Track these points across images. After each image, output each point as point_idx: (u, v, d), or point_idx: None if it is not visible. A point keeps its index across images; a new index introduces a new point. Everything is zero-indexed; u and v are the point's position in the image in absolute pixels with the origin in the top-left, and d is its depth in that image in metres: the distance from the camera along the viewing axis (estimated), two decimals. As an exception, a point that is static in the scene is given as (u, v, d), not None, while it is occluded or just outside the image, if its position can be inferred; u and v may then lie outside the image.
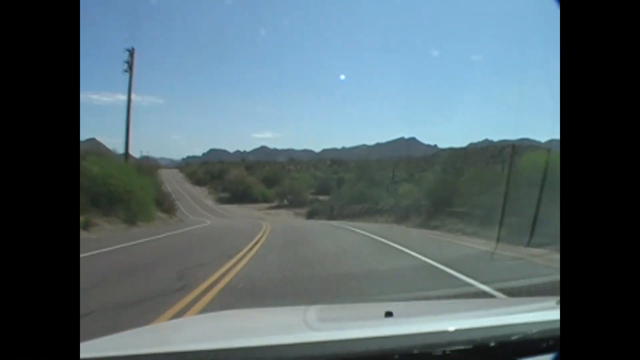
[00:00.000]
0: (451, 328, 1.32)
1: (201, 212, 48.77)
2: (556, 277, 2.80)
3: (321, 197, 56.70)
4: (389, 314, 1.61)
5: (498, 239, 11.07)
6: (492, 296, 5.02)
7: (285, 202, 59.09)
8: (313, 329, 1.60)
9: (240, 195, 62.42)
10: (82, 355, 1.07)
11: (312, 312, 1.88)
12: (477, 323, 1.45)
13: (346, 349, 1.19)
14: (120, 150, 26.72)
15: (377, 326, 1.50)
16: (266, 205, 59.26)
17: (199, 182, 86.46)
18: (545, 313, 1.44)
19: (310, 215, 38.25)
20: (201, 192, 76.79)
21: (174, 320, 2.98)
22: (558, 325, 1.13)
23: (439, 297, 4.13)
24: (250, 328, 1.88)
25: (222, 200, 64.49)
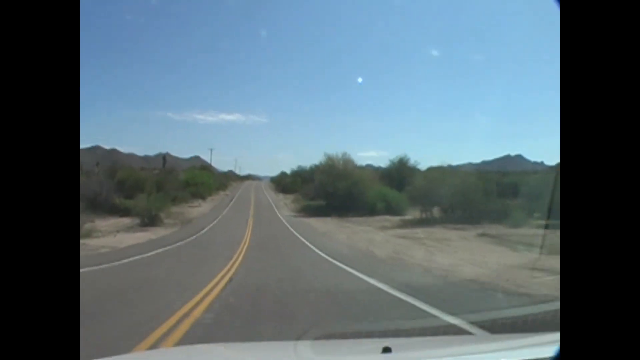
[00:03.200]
0: None
1: (237, 237, 19.63)
2: None
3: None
4: (386, 350, 1.52)
5: None
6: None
7: (436, 212, 27.51)
8: None
9: (342, 202, 32.15)
10: None
11: (305, 347, 1.80)
12: None
13: None
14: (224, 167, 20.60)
15: None
16: (395, 219, 28.02)
17: (284, 190, 63.46)
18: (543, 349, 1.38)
19: None
20: (282, 200, 49.42)
21: (161, 349, 2.53)
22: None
23: (434, 333, 3.64)
24: None
25: (308, 211, 35.02)
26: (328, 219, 28.81)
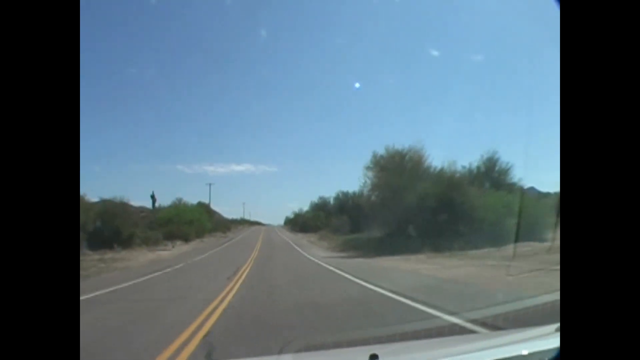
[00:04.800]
0: None
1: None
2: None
3: None
4: (374, 357, 1.44)
5: None
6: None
7: None
8: None
9: (428, 224, 17.03)
10: None
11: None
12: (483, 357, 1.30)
13: None
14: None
15: None
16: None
17: (303, 229, 51.14)
18: (545, 341, 1.33)
19: None
20: (304, 239, 34.70)
21: None
22: (558, 352, 1.13)
23: (416, 336, 3.14)
24: None
25: (358, 248, 20.03)
26: (421, 256, 13.80)
